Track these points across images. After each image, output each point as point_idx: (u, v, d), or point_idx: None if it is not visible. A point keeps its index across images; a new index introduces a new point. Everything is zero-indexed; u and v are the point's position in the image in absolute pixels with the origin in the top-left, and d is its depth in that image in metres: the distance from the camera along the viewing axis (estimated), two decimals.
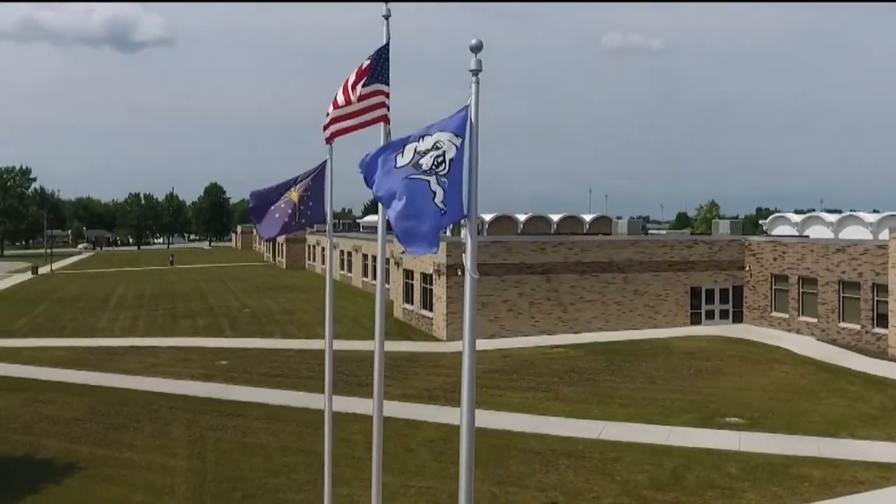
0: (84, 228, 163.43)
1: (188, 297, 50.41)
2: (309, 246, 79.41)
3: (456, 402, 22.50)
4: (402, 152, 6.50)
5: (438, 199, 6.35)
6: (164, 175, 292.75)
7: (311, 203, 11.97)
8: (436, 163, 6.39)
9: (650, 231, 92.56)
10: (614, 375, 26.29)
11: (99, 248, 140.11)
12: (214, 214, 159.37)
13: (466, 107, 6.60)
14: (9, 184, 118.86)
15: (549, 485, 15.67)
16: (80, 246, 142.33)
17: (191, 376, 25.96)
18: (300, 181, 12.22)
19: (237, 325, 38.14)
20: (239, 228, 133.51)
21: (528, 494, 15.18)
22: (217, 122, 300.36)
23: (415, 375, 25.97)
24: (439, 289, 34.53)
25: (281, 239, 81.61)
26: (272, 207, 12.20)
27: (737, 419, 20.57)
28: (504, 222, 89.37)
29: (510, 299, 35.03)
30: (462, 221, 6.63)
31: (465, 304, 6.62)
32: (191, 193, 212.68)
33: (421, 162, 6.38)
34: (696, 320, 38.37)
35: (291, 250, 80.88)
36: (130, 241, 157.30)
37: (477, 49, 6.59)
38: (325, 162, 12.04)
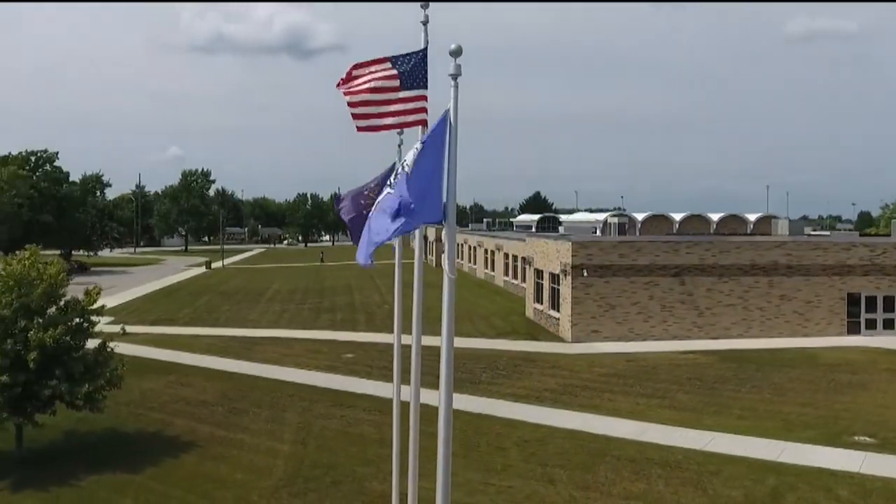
0: (259, 226, 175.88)
1: (335, 293, 53.09)
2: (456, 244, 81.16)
3: (563, 405, 22.28)
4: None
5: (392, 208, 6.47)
6: (330, 175, 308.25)
7: None
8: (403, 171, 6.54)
9: (825, 231, 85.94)
10: (740, 385, 24.83)
11: (299, 244, 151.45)
12: None
13: (446, 111, 6.72)
14: (192, 185, 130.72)
15: (635, 494, 15.21)
16: (284, 242, 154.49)
17: (316, 367, 27.47)
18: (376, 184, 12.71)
19: (372, 320, 39.74)
20: None
21: (609, 502, 14.84)
22: None
23: (528, 375, 25.92)
24: (565, 289, 34.13)
25: (432, 237, 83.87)
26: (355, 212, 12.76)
27: (867, 438, 18.85)
28: (658, 222, 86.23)
29: (640, 301, 33.95)
30: (441, 223, 6.76)
31: (443, 305, 6.72)
32: None
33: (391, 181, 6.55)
34: (853, 330, 35.20)
35: (440, 248, 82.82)
36: (299, 238, 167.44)
37: (456, 54, 6.67)
38: (393, 164, 12.51)
